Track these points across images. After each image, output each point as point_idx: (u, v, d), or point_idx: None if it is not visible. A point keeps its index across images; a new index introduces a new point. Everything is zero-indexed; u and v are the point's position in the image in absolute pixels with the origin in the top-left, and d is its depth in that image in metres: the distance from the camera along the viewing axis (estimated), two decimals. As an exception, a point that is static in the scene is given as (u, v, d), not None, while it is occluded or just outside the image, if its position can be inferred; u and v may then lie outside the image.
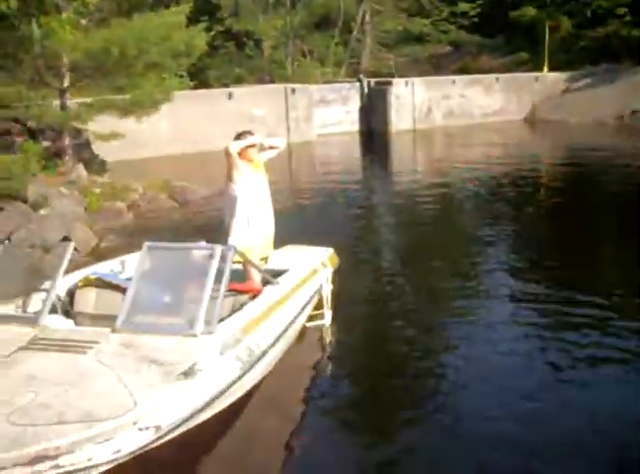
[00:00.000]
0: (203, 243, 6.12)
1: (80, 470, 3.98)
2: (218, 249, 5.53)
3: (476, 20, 37.38)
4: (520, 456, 5.20)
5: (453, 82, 29.24)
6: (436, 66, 36.29)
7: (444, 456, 5.30)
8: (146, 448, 4.29)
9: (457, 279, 9.39)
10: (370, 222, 13.81)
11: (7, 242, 7.24)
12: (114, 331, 5.21)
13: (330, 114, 27.65)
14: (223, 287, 5.42)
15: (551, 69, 30.82)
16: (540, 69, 31.08)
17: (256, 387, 5.85)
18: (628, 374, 6.50)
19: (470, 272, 9.88)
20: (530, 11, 33.08)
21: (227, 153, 6.82)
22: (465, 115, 28.96)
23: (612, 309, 7.94)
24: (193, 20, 16.48)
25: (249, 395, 5.75)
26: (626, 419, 5.61)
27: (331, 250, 8.18)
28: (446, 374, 6.72)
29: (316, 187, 17.09)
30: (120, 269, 6.94)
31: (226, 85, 29.84)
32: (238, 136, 7.02)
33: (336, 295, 7.74)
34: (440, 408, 6.06)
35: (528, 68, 32.05)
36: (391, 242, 12.14)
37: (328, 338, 7.37)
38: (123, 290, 5.64)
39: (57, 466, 3.86)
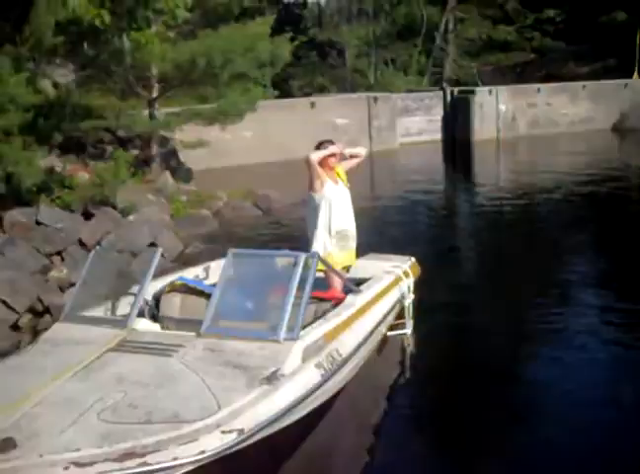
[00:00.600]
0: (287, 250, 6.18)
1: (165, 469, 4.08)
2: (302, 256, 5.59)
3: (561, 26, 36.60)
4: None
5: (538, 90, 28.61)
6: (520, 74, 35.69)
7: (527, 463, 5.26)
8: (229, 451, 4.37)
9: (541, 290, 9.23)
10: (452, 232, 13.69)
11: (98, 247, 7.50)
12: (198, 335, 5.33)
13: (413, 122, 27.55)
14: (306, 295, 5.47)
15: (642, 76, 29.91)
16: (630, 76, 30.15)
17: (337, 394, 5.87)
18: None
19: (554, 283, 9.67)
20: (621, 15, 32.17)
21: (308, 162, 6.89)
22: (550, 123, 28.32)
23: None
24: (277, 30, 16.69)
25: (330, 402, 5.76)
26: None
27: (413, 259, 8.17)
28: (532, 384, 6.63)
29: (398, 195, 17.03)
30: (205, 275, 7.11)
31: (309, 94, 30.06)
32: (319, 146, 7.10)
33: (418, 305, 7.70)
34: (524, 417, 5.97)
35: (617, 75, 31.11)
36: (473, 252, 12.00)
37: (409, 347, 7.34)
38: (208, 296, 5.75)
39: (144, 463, 3.97)
